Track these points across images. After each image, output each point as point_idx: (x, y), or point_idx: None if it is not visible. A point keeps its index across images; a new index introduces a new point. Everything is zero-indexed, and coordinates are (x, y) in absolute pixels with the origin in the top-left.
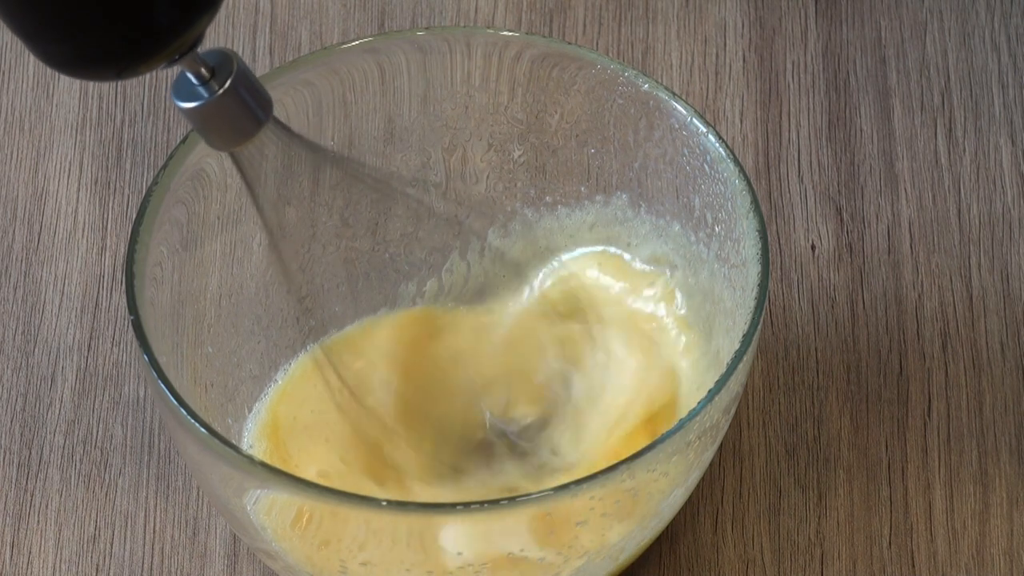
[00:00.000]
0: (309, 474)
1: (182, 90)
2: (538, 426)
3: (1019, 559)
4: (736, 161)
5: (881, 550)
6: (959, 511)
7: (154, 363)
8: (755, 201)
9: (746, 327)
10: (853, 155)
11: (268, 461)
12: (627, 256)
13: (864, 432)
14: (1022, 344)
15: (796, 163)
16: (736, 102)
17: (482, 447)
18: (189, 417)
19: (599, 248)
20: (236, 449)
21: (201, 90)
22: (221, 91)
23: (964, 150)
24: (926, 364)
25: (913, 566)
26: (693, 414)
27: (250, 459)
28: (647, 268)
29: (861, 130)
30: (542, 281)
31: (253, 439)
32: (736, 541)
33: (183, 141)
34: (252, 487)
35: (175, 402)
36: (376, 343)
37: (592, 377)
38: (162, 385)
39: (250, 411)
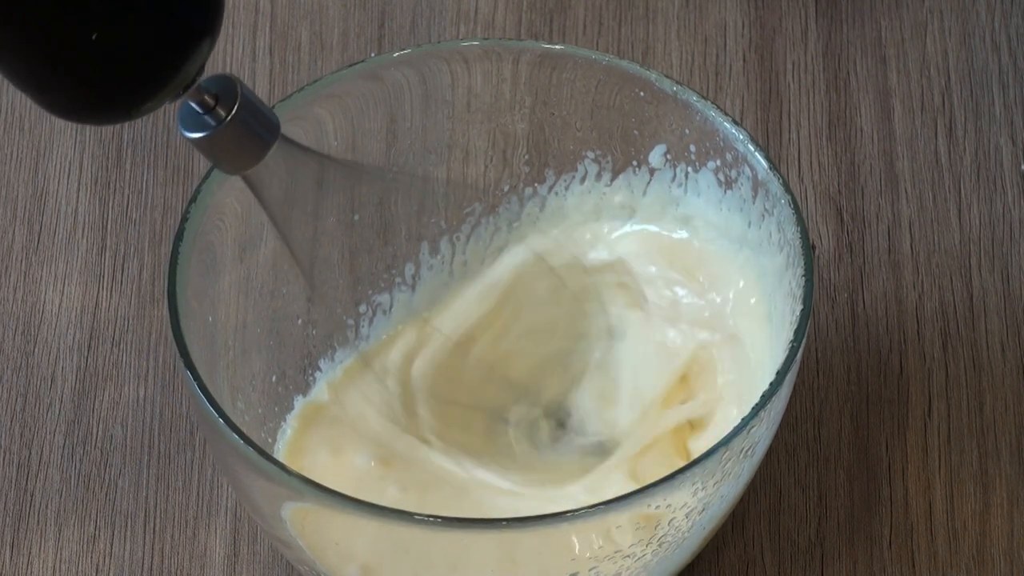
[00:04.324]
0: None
1: (188, 120)
2: (572, 405)
3: (1019, 559)
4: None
5: (881, 550)
6: (959, 511)
7: (198, 380)
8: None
9: (781, 361)
10: (853, 155)
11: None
12: (636, 258)
13: (864, 432)
14: (1022, 344)
15: (796, 163)
16: (736, 102)
17: (526, 431)
18: (236, 436)
19: (602, 245)
20: (281, 465)
21: (207, 119)
22: (228, 118)
23: (964, 150)
24: (926, 364)
25: (913, 566)
26: (710, 452)
27: (288, 472)
28: (650, 268)
29: (861, 130)
30: (554, 275)
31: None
32: (736, 541)
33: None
34: (287, 499)
35: (216, 416)
36: (403, 348)
37: (617, 350)
38: (205, 400)
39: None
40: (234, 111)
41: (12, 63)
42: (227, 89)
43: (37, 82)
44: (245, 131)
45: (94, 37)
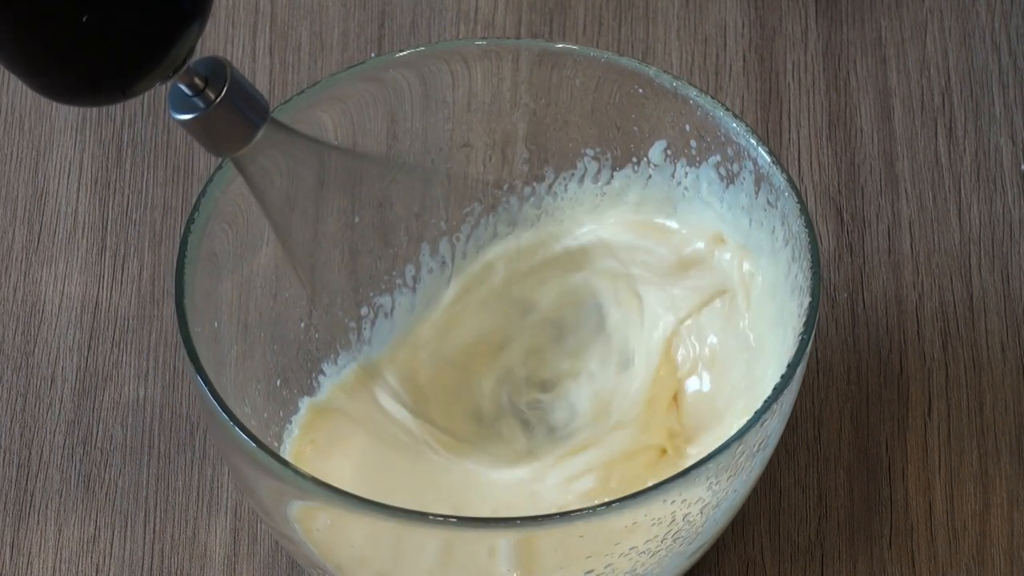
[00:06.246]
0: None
1: (178, 102)
2: (567, 391)
3: (1019, 559)
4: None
5: (881, 550)
6: (959, 511)
7: (209, 385)
8: (789, 186)
9: (790, 356)
10: (853, 155)
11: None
12: (634, 248)
13: (864, 432)
14: (1022, 344)
15: (796, 163)
16: (736, 102)
17: (513, 418)
18: (242, 433)
19: (601, 240)
20: (286, 463)
21: (197, 101)
22: (217, 100)
23: (964, 150)
24: (926, 364)
25: (913, 566)
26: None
27: (297, 472)
28: (650, 263)
29: (861, 130)
30: (552, 262)
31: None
32: (736, 541)
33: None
34: (296, 499)
35: (225, 416)
36: (405, 348)
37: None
38: (213, 399)
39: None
40: (223, 93)
41: (3, 46)
42: (217, 71)
43: (28, 64)
44: (234, 113)
45: (84, 19)
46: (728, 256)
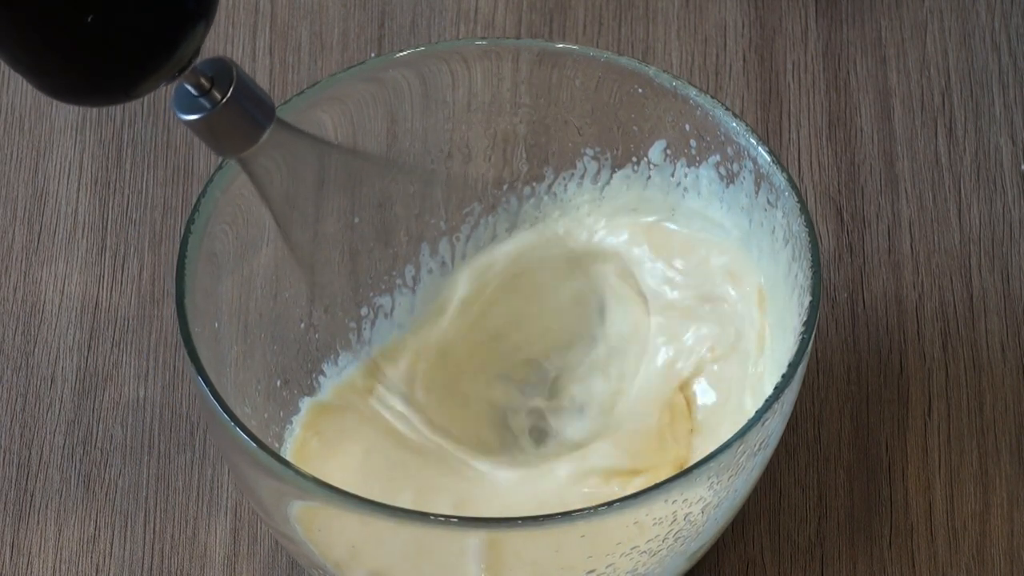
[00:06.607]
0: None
1: (183, 102)
2: (571, 395)
3: (1019, 559)
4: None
5: (881, 550)
6: (959, 511)
7: (210, 386)
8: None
9: (791, 355)
10: (853, 155)
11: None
12: (636, 250)
13: (864, 432)
14: (1022, 344)
15: (796, 163)
16: (736, 102)
17: (531, 423)
18: (242, 433)
19: (601, 240)
20: (286, 463)
21: (203, 101)
22: (223, 101)
23: (964, 150)
24: (926, 364)
25: (913, 566)
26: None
27: (299, 472)
28: (650, 263)
29: (861, 130)
30: (555, 264)
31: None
32: (736, 541)
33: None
34: (297, 499)
35: (226, 416)
36: (407, 347)
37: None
38: (213, 398)
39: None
40: (229, 94)
41: (8, 46)
42: (223, 72)
43: (33, 64)
44: (240, 114)
45: (89, 19)
46: (742, 299)
